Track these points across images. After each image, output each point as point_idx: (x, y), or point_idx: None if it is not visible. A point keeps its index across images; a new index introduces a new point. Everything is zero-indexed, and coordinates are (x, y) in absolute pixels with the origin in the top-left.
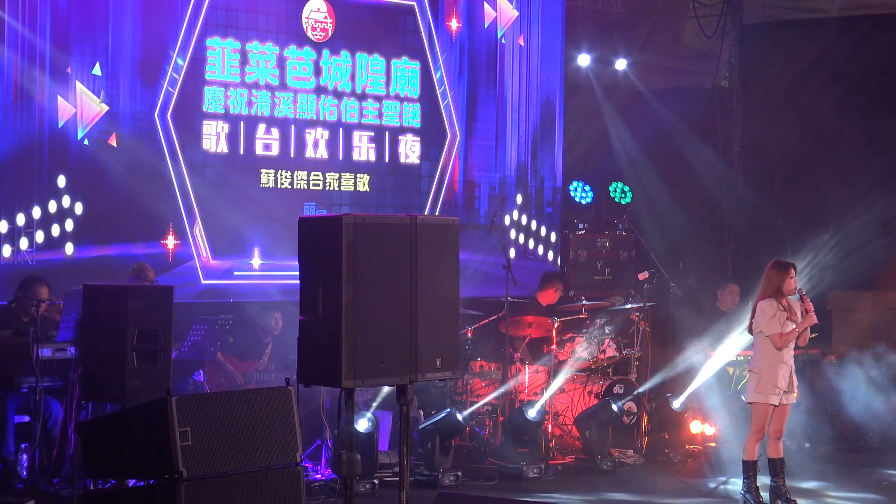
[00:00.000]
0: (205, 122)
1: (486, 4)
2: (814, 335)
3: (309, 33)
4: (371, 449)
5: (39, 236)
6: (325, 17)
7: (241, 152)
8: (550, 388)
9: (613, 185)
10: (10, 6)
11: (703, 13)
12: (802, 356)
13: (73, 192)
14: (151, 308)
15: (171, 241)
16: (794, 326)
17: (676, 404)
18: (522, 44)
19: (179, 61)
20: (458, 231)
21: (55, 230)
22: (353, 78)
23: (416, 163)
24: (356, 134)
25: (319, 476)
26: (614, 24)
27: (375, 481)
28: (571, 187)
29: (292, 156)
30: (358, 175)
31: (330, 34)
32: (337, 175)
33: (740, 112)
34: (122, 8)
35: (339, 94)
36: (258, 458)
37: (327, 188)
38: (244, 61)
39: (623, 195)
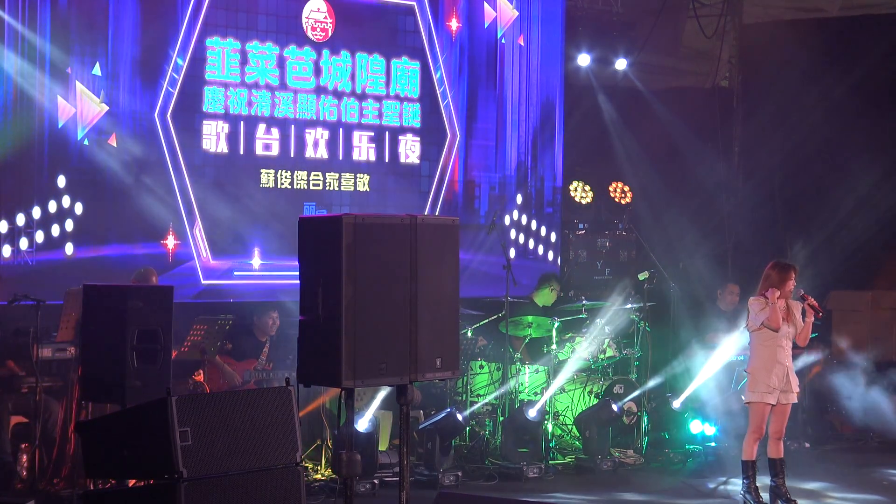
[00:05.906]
0: (205, 122)
1: (486, 4)
2: (814, 335)
3: (309, 33)
4: (371, 449)
5: (39, 236)
6: (325, 17)
7: (241, 152)
8: (550, 388)
9: (613, 185)
10: (10, 6)
11: (703, 13)
12: (802, 356)
13: (73, 192)
14: (151, 308)
15: (170, 242)
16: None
17: (676, 404)
18: (522, 44)
19: (179, 61)
20: (458, 231)
21: (55, 230)
22: (353, 78)
23: (416, 163)
24: (356, 134)
25: (319, 476)
26: (614, 24)
27: (375, 481)
28: (571, 187)
29: (292, 156)
30: (358, 175)
31: (330, 34)
32: (337, 175)
33: (740, 112)
34: (122, 8)
35: (339, 94)
36: (258, 458)
37: (327, 188)
38: (244, 61)
39: (623, 195)
